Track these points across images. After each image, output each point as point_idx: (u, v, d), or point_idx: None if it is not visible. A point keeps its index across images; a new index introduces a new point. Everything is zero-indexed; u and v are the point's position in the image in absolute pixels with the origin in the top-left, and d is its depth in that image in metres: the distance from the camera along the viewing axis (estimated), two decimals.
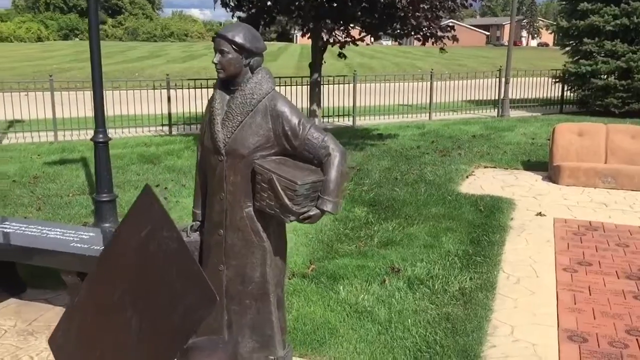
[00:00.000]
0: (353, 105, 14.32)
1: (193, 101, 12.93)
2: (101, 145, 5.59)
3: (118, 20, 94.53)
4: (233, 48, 2.95)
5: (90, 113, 13.05)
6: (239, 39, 2.94)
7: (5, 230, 4.35)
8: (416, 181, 8.48)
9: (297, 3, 8.82)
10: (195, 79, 13.45)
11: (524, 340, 4.07)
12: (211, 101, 3.11)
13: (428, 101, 15.89)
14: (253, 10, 9.29)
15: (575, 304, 4.60)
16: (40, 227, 4.39)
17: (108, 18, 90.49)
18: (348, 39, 9.98)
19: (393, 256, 5.50)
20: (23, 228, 4.40)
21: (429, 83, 15.81)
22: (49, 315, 4.20)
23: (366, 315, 4.35)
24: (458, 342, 4.01)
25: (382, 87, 16.01)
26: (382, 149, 10.89)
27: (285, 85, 13.73)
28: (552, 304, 4.60)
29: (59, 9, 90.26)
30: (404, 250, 5.70)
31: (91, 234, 4.28)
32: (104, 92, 5.63)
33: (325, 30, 8.60)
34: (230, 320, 3.16)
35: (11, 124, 13.18)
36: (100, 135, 5.58)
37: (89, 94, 14.71)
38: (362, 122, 14.55)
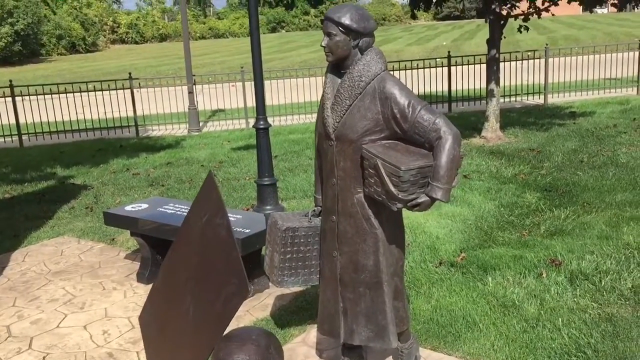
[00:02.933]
0: (545, 82, 13.24)
1: None
2: (262, 132, 5.86)
3: (320, 10, 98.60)
4: (340, 30, 2.87)
5: (281, 101, 13.92)
6: (345, 20, 2.85)
7: (167, 211, 4.79)
8: (605, 164, 7.60)
9: None
10: None
11: None
12: (323, 86, 3.07)
13: (637, 74, 14.10)
14: None
15: None
16: None
17: (311, 8, 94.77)
18: (531, 10, 9.22)
19: (558, 247, 4.99)
20: (184, 209, 4.81)
21: (637, 53, 14.00)
22: None
23: (512, 310, 4.01)
24: (617, 347, 3.51)
25: (582, 60, 14.54)
26: (571, 128, 9.94)
27: (468, 65, 13.18)
28: None
29: (268, 4, 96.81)
30: (572, 241, 5.14)
31: (238, 217, 4.53)
32: (266, 81, 5.87)
33: (497, 3, 7.99)
34: (345, 308, 3.13)
35: (214, 113, 14.50)
36: (261, 122, 5.85)
37: (286, 83, 15.64)
38: (555, 99, 13.40)
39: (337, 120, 2.94)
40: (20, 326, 4.16)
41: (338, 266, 3.09)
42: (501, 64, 12.73)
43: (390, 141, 2.90)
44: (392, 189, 2.74)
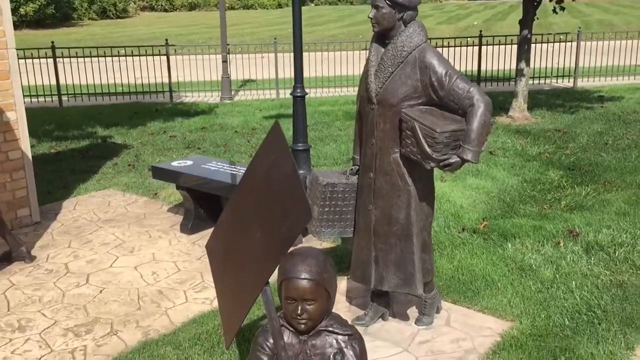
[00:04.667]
0: (575, 65, 13.31)
1: None
2: (299, 99, 6.16)
3: None
4: (387, 3, 3.15)
5: (311, 74, 14.16)
6: None
7: (212, 168, 5.15)
8: (629, 147, 7.79)
9: None
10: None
11: None
12: (368, 54, 3.37)
13: None
14: None
15: None
16: (239, 168, 5.11)
17: None
18: None
19: (576, 220, 5.27)
20: (227, 167, 5.16)
21: None
22: None
23: (529, 273, 4.32)
24: (625, 309, 3.81)
25: (614, 45, 14.52)
26: (598, 112, 10.08)
27: (499, 45, 13.28)
28: None
29: None
30: (591, 215, 5.41)
31: None
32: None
33: None
34: (377, 257, 3.46)
35: (244, 83, 14.81)
36: (298, 90, 6.14)
37: (316, 56, 15.84)
38: (585, 83, 13.47)
39: (380, 86, 3.24)
40: (77, 264, 4.58)
41: (373, 219, 3.42)
42: (532, 46, 12.82)
43: (427, 107, 3.20)
44: (427, 149, 3.04)
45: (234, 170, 5.05)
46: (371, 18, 3.21)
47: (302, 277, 1.94)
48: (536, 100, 11.28)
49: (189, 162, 5.31)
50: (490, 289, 4.10)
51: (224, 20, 12.62)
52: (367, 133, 3.37)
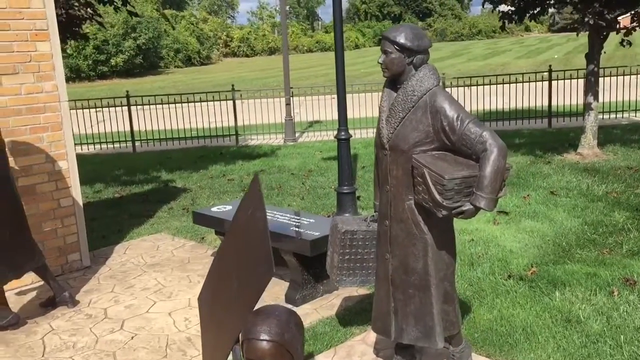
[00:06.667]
0: None
1: (465, 100, 12.95)
2: (343, 142, 6.15)
3: (427, 22, 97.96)
4: (396, 48, 3.09)
5: (368, 114, 14.18)
6: (400, 39, 3.07)
7: None
8: None
9: None
10: (471, 77, 13.44)
11: None
12: (380, 99, 3.30)
13: None
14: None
15: None
16: (274, 212, 5.11)
17: (418, 21, 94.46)
18: (635, 25, 8.86)
19: (636, 267, 4.87)
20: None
21: None
22: (276, 289, 4.87)
23: (575, 325, 4.00)
24: None
25: None
26: None
27: (571, 79, 12.79)
28: None
29: (375, 17, 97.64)
30: None
31: (311, 221, 4.82)
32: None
33: (590, 16, 7.76)
34: (396, 308, 3.32)
35: (311, 124, 15.01)
36: (342, 133, 6.14)
37: (374, 96, 15.91)
38: None
39: (391, 132, 3.16)
40: (115, 309, 4.68)
41: (390, 268, 3.29)
42: (609, 79, 12.20)
43: (439, 152, 3.08)
44: (437, 196, 2.91)
45: (269, 216, 5.05)
46: (381, 64, 3.15)
47: (261, 338, 1.87)
48: (611, 135, 10.71)
49: (229, 207, 5.37)
50: (529, 343, 3.83)
51: (287, 65, 12.91)
52: (382, 179, 3.29)
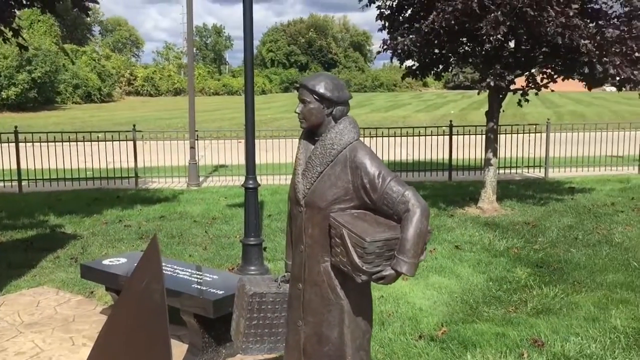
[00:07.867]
0: (546, 156, 13.32)
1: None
2: (251, 191, 5.86)
3: (333, 72, 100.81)
4: (314, 98, 2.89)
5: (288, 159, 13.99)
6: (320, 88, 2.87)
7: None
8: (600, 242, 7.51)
9: (465, 50, 8.52)
10: (376, 128, 13.65)
11: None
12: (297, 151, 3.07)
13: (639, 153, 14.16)
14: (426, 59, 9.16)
15: None
16: (174, 267, 4.69)
17: (324, 71, 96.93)
18: (530, 86, 9.35)
19: (542, 327, 4.87)
20: (163, 267, 4.74)
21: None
22: (175, 351, 4.42)
23: None
24: None
25: (585, 136, 14.61)
26: (568, 204, 9.89)
27: (469, 135, 13.28)
28: None
29: (282, 65, 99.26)
30: (558, 320, 5.02)
31: (214, 277, 4.45)
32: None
33: (492, 77, 8.10)
34: None
35: (216, 168, 14.57)
36: (250, 182, 5.86)
37: (294, 142, 15.82)
38: (556, 174, 13.42)
39: (308, 187, 2.92)
40: None
41: (302, 336, 3.00)
42: (504, 136, 12.80)
43: (359, 211, 2.87)
44: (357, 260, 2.68)
45: (167, 271, 4.62)
46: (298, 113, 2.93)
47: None
48: (507, 190, 11.12)
49: (123, 260, 4.88)
50: None
51: (193, 107, 12.53)
52: (296, 238, 3.02)
